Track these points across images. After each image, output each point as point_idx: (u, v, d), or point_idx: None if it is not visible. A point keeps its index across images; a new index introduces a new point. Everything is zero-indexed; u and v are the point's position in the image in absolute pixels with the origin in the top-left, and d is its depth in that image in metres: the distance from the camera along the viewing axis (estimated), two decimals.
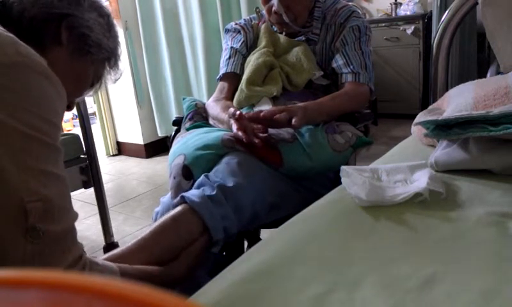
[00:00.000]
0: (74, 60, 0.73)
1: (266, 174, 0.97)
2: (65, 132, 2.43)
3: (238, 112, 0.99)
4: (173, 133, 1.28)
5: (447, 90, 1.32)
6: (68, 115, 4.94)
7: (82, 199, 2.56)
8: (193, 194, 0.86)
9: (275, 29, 1.31)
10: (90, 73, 0.78)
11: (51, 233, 0.54)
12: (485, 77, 1.56)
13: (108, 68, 0.81)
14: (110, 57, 0.80)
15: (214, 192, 0.85)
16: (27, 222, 0.51)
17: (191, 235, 0.82)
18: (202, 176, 0.90)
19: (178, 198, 0.86)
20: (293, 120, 0.98)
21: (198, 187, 0.88)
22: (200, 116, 1.24)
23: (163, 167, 3.13)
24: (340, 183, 0.83)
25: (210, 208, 0.83)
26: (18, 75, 0.53)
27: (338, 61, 1.21)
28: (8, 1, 0.67)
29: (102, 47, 0.76)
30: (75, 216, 0.60)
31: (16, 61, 0.53)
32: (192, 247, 0.81)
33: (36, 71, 0.55)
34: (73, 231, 0.59)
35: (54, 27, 0.70)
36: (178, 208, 0.84)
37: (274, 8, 1.20)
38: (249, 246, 0.98)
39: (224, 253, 0.99)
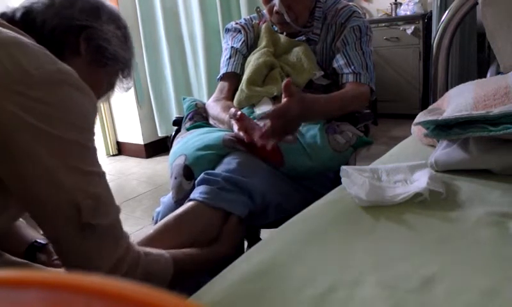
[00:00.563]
0: (91, 70, 0.74)
1: (267, 173, 0.97)
2: None
3: (239, 113, 0.99)
4: (173, 134, 1.28)
5: (447, 90, 1.32)
6: None
7: None
8: (200, 191, 0.87)
9: (276, 29, 1.31)
10: (105, 83, 0.80)
11: (102, 226, 0.60)
12: (485, 77, 1.56)
13: (121, 77, 0.83)
14: (124, 68, 0.82)
15: (219, 185, 0.87)
16: (81, 219, 0.57)
17: (211, 228, 0.85)
18: (202, 174, 0.90)
19: (186, 202, 0.87)
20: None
21: (200, 184, 0.89)
22: (200, 116, 1.24)
23: (163, 167, 3.13)
24: (340, 183, 0.83)
25: (222, 195, 0.86)
26: (56, 90, 0.57)
27: (339, 61, 1.21)
28: (32, 11, 0.70)
29: (118, 58, 0.78)
30: (118, 209, 0.64)
31: (53, 76, 0.58)
32: (227, 226, 0.86)
33: (70, 84, 0.59)
34: (119, 222, 0.64)
35: (74, 38, 0.72)
36: (189, 204, 0.86)
37: (275, 8, 1.20)
38: (249, 246, 0.98)
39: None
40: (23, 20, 0.69)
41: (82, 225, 0.57)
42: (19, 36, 0.61)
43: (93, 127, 0.62)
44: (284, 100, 0.95)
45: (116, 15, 0.80)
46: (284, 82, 0.95)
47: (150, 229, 0.83)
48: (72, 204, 0.56)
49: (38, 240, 0.84)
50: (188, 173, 0.95)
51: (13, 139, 0.54)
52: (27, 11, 0.70)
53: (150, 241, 0.79)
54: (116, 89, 0.86)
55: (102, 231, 0.60)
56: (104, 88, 0.82)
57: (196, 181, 0.91)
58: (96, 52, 0.74)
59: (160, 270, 0.70)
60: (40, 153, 0.55)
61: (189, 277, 0.77)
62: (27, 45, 0.59)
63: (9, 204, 0.66)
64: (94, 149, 0.62)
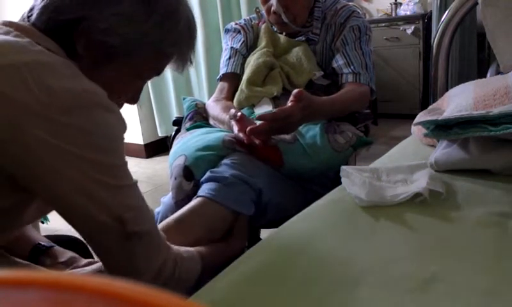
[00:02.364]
0: (102, 70, 0.65)
1: (268, 174, 0.97)
2: None
3: (239, 114, 0.99)
4: (173, 134, 1.28)
5: (447, 90, 1.32)
6: None
7: None
8: (208, 187, 0.88)
9: (275, 29, 1.31)
10: (130, 77, 0.70)
11: (144, 232, 0.62)
12: (485, 77, 1.56)
13: (174, 56, 0.71)
14: (158, 51, 0.68)
15: (227, 182, 0.88)
16: (126, 229, 0.59)
17: (218, 224, 0.86)
18: (208, 172, 0.91)
19: (194, 198, 0.88)
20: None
21: (207, 181, 0.90)
22: (200, 116, 1.24)
23: (163, 167, 3.12)
24: (340, 183, 0.83)
25: (230, 193, 0.87)
26: (84, 113, 0.56)
27: (339, 61, 1.21)
28: (31, 11, 0.63)
29: (132, 48, 0.64)
30: (153, 212, 0.66)
31: (79, 98, 0.56)
32: (238, 223, 0.87)
33: (96, 104, 0.57)
34: (156, 227, 0.66)
35: (67, 37, 0.61)
36: (197, 200, 0.87)
37: (273, 8, 1.20)
38: (249, 246, 0.98)
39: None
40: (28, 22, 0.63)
41: (128, 234, 0.59)
42: (45, 51, 0.57)
43: (122, 144, 0.61)
44: (289, 103, 0.95)
45: None
46: (296, 91, 0.95)
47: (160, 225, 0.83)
48: (116, 218, 0.58)
49: (42, 243, 0.83)
50: (188, 173, 0.95)
51: (47, 167, 0.54)
52: (30, 9, 0.63)
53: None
54: (172, 67, 0.74)
55: (146, 236, 0.62)
56: (135, 78, 0.70)
57: (203, 179, 0.91)
58: (97, 48, 0.62)
59: (192, 271, 0.71)
60: (76, 178, 0.55)
61: (210, 272, 0.77)
62: (51, 64, 0.56)
63: (27, 211, 0.67)
64: (125, 164, 0.62)
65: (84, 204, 0.56)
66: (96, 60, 0.64)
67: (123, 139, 0.62)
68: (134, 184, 0.63)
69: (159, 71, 0.73)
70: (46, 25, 0.62)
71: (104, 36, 0.62)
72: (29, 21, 0.64)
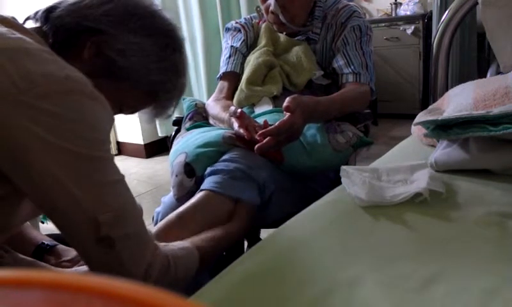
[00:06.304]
0: (98, 80, 0.63)
1: (268, 169, 0.97)
2: None
3: (239, 110, 0.99)
4: (173, 134, 1.28)
5: (447, 90, 1.32)
6: None
7: None
8: (211, 180, 0.88)
9: (276, 28, 1.31)
10: (116, 98, 0.70)
11: (124, 236, 0.58)
12: (485, 77, 1.56)
13: (154, 104, 0.75)
14: (151, 91, 0.72)
15: (231, 174, 0.88)
16: (99, 233, 0.56)
17: (223, 217, 0.84)
18: (209, 168, 0.91)
19: (197, 192, 0.88)
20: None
21: (210, 175, 0.90)
22: (200, 116, 1.24)
23: (163, 167, 3.13)
24: (340, 183, 0.83)
25: (234, 184, 0.87)
26: (65, 100, 0.54)
27: (339, 61, 1.21)
28: (57, 7, 0.65)
29: (134, 76, 0.68)
30: (140, 211, 0.62)
31: (61, 84, 0.54)
32: (238, 209, 0.86)
33: (80, 92, 0.55)
34: (143, 226, 0.62)
35: (79, 41, 0.65)
36: (201, 194, 0.86)
37: (270, 8, 1.20)
38: (249, 246, 0.98)
39: (224, 253, 0.99)
40: (44, 17, 0.65)
41: (100, 238, 0.56)
42: (25, 38, 0.57)
43: (107, 136, 0.59)
44: (287, 115, 0.95)
45: (161, 28, 0.69)
46: (284, 106, 0.94)
47: (159, 224, 0.83)
48: (91, 219, 0.55)
49: (45, 242, 0.82)
50: (189, 170, 0.95)
51: (23, 153, 0.52)
52: (51, 8, 0.65)
53: (164, 232, 0.79)
54: (147, 113, 0.78)
55: (125, 241, 0.58)
56: (117, 106, 0.72)
57: (206, 173, 0.91)
58: (104, 61, 0.66)
59: (189, 268, 0.69)
60: (53, 169, 0.53)
61: (208, 263, 0.76)
62: (31, 50, 0.55)
63: (20, 205, 0.65)
64: (110, 158, 0.59)
65: (62, 198, 0.54)
66: (94, 70, 0.64)
67: (108, 130, 0.59)
68: (118, 181, 0.59)
69: (136, 109, 0.77)
70: (64, 24, 0.64)
71: (116, 55, 0.65)
72: (47, 17, 0.65)
